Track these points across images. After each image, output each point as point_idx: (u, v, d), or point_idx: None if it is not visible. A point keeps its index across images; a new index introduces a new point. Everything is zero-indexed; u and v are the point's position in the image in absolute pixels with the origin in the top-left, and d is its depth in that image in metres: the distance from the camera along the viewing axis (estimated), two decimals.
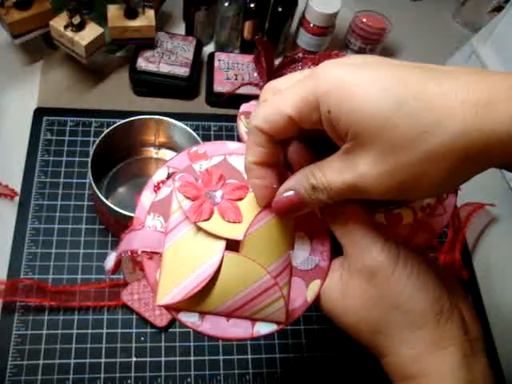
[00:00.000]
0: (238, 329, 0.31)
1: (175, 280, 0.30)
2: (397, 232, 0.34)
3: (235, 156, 0.33)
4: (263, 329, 0.31)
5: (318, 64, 0.36)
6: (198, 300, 0.30)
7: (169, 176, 0.34)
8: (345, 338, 0.56)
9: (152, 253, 0.31)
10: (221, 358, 0.52)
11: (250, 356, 0.52)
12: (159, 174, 0.34)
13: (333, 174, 0.27)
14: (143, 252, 0.31)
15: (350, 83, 0.24)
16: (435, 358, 0.27)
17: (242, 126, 0.38)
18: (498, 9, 0.79)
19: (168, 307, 0.31)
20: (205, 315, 0.31)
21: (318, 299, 0.32)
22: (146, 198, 0.33)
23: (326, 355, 0.54)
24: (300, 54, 0.35)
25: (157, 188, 0.33)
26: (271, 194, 0.30)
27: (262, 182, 0.29)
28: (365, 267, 0.29)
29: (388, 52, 0.81)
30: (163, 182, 0.34)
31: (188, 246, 0.31)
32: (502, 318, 0.60)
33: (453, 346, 0.28)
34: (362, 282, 0.29)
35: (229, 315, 0.31)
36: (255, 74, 0.65)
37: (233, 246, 0.33)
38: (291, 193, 0.28)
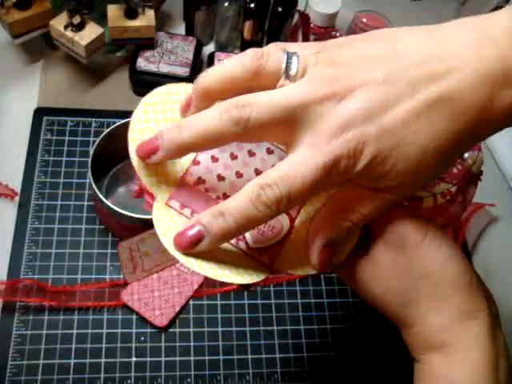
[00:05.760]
0: None
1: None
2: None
3: None
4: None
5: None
6: None
7: None
8: (344, 338, 0.56)
9: None
10: (221, 358, 0.52)
11: (249, 356, 0.52)
12: None
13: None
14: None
15: None
16: (463, 327, 0.28)
17: None
18: (498, 9, 0.79)
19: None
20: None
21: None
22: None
23: (326, 355, 0.54)
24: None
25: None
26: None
27: None
28: (393, 237, 0.28)
29: None
30: None
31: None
32: (502, 318, 0.60)
33: (480, 318, 0.28)
34: (390, 251, 0.29)
35: None
36: None
37: None
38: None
